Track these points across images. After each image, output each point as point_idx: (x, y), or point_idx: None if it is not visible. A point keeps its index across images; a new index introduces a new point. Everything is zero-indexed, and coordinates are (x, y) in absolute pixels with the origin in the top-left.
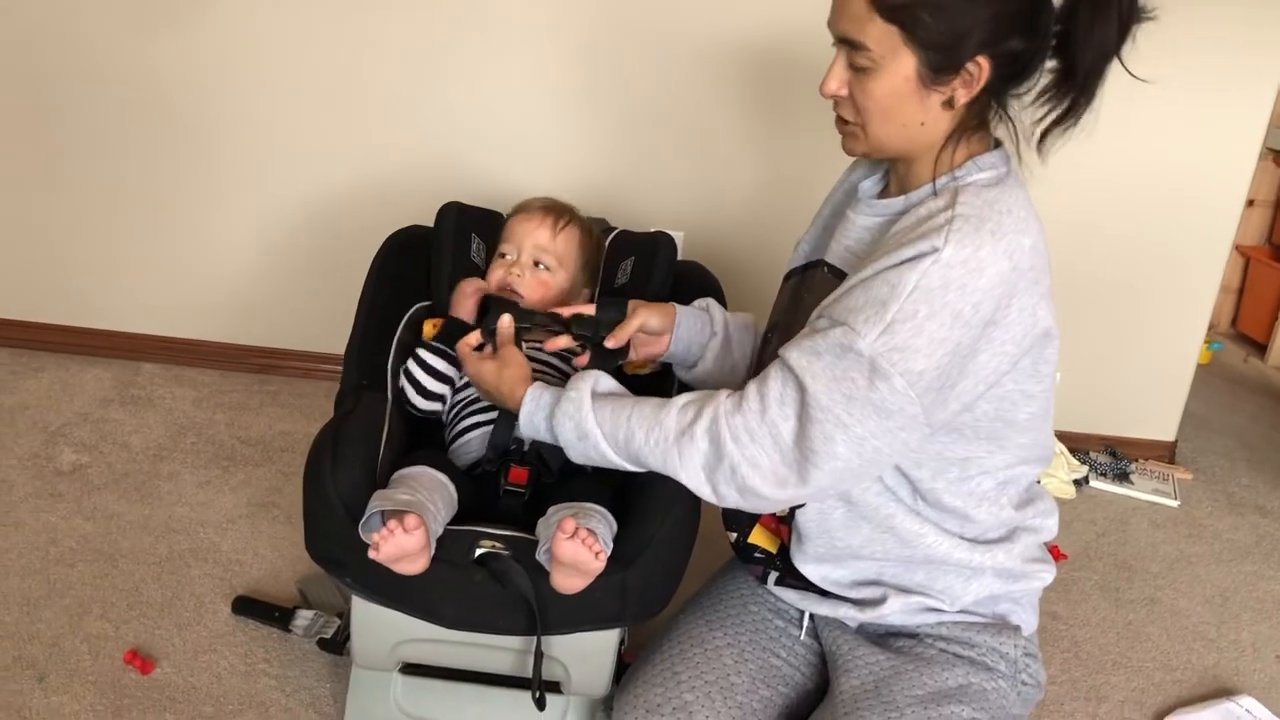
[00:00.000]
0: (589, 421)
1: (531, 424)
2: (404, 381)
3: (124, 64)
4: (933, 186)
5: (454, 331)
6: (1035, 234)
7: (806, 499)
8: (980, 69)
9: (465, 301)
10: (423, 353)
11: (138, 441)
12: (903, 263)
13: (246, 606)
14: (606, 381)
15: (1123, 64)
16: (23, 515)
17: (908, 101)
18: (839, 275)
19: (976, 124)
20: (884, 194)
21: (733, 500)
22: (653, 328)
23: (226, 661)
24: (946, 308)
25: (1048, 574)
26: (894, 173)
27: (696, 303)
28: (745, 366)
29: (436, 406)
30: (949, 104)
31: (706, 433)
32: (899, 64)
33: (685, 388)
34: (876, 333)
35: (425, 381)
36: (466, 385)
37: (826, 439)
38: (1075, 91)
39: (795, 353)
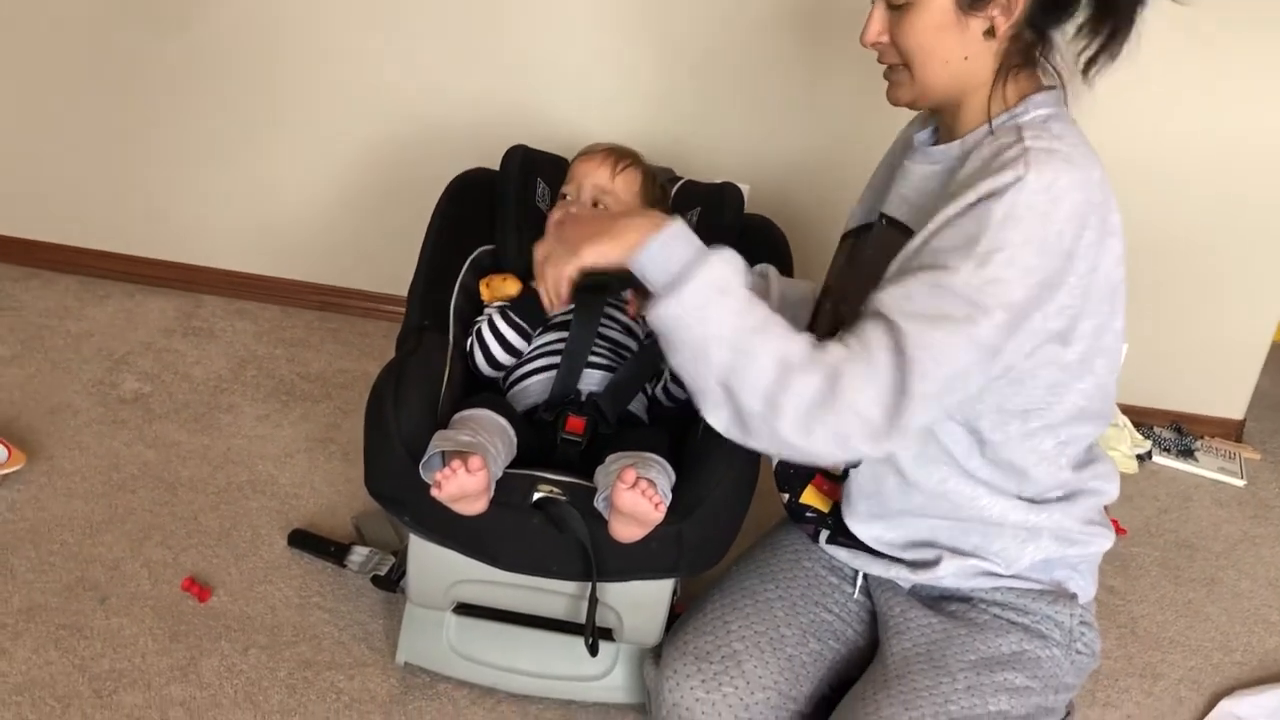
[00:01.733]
0: (737, 282)
1: (668, 243)
2: (474, 344)
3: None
4: (989, 125)
5: (532, 305)
6: (1100, 169)
7: (900, 441)
8: None
9: None
10: (499, 322)
11: (199, 372)
12: (987, 196)
13: (302, 540)
14: None
15: None
16: (86, 440)
17: (948, 34)
18: (898, 226)
19: (1022, 61)
20: (937, 143)
21: (821, 442)
22: None
23: (281, 593)
24: (1034, 236)
25: (1105, 540)
26: (943, 122)
27: (756, 269)
28: None
29: (499, 375)
30: (990, 33)
31: (821, 368)
32: None
33: None
34: (971, 267)
35: (497, 353)
36: (535, 335)
37: (924, 377)
38: (1114, 19)
39: (886, 299)
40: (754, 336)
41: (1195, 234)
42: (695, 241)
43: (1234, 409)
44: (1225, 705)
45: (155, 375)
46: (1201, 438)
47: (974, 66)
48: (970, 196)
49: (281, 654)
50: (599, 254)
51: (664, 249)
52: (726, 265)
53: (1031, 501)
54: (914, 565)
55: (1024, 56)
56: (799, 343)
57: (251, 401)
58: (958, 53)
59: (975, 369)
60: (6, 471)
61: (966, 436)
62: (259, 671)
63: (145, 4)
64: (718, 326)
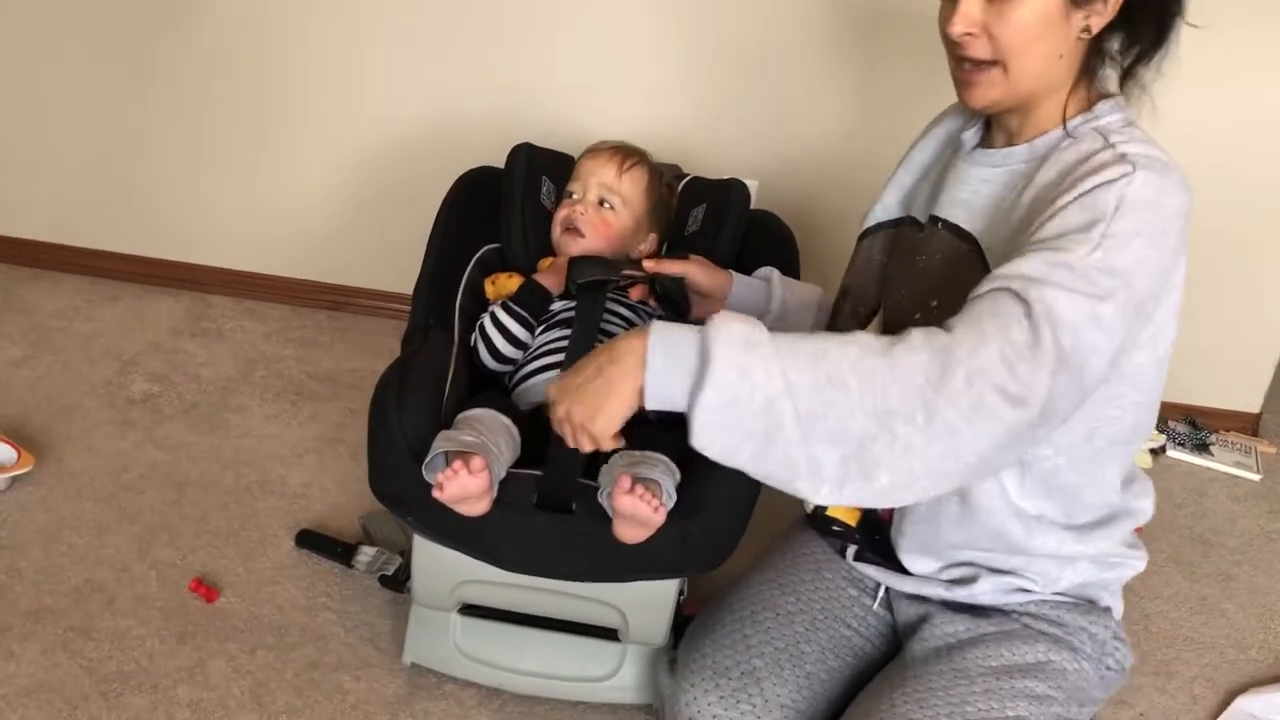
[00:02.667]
0: (757, 328)
1: (667, 344)
2: (478, 340)
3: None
4: (1064, 128)
5: (532, 295)
6: (1183, 173)
7: (1032, 425)
8: None
9: (552, 272)
10: (500, 314)
11: (208, 373)
12: (1095, 188)
13: (310, 540)
14: None
15: None
16: (95, 441)
17: (1054, 27)
18: (956, 231)
19: (1094, 68)
20: (990, 144)
21: (953, 427)
22: (700, 286)
23: (288, 594)
24: (1148, 225)
25: (1140, 562)
26: (1001, 123)
27: (759, 272)
28: None
29: (507, 369)
30: (1086, 31)
31: (925, 344)
32: None
33: None
34: (1087, 249)
35: (500, 345)
36: (539, 334)
37: (1052, 331)
38: (1156, 18)
39: (994, 275)
40: (818, 365)
41: (1209, 226)
42: (681, 326)
43: (1250, 402)
44: (1240, 703)
45: (164, 376)
46: (1217, 431)
47: (1063, 67)
48: (1077, 190)
49: (288, 655)
50: (611, 420)
51: (666, 358)
52: (736, 321)
53: (1079, 529)
54: (950, 584)
55: (1093, 66)
56: (867, 340)
57: (260, 401)
58: (1056, 49)
59: (1094, 354)
60: (16, 473)
61: (1019, 468)
62: (266, 672)
63: (151, 7)
64: (772, 381)
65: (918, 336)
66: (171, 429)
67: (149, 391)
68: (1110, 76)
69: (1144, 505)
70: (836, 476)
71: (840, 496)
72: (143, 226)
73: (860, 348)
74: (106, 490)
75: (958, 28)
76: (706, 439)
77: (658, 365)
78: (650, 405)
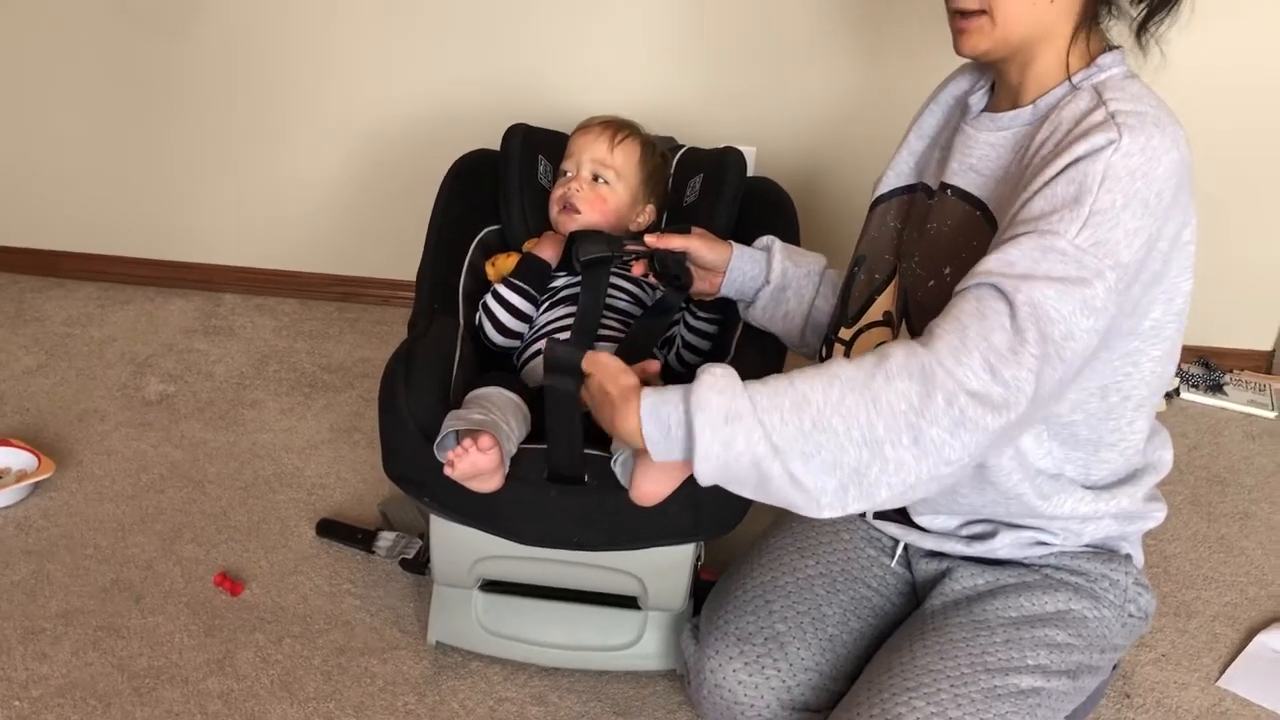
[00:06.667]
0: (738, 398)
1: (658, 419)
2: (482, 318)
3: None
4: (1069, 83)
5: (532, 269)
6: (1183, 129)
7: (1020, 421)
8: None
9: (546, 243)
10: (503, 290)
11: (221, 370)
12: (1082, 159)
13: (330, 529)
14: None
15: None
16: (114, 444)
17: None
18: (966, 198)
19: (1094, 18)
20: (996, 107)
21: (939, 442)
22: (703, 260)
23: (312, 583)
24: (1136, 196)
25: (1160, 513)
26: (1004, 81)
27: (760, 242)
28: (802, 315)
29: (514, 343)
30: None
31: (903, 369)
32: None
33: (747, 329)
34: (1076, 229)
35: (505, 319)
36: (543, 311)
37: (1038, 330)
38: None
39: (983, 269)
40: (801, 414)
41: (1218, 160)
42: (668, 398)
43: (1263, 340)
44: (1261, 639)
45: (179, 376)
46: (1230, 371)
47: (1055, 12)
48: (1064, 159)
49: (315, 642)
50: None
51: (661, 433)
52: (715, 393)
53: (1098, 489)
54: (969, 540)
55: (1092, 15)
56: (848, 374)
57: (274, 396)
58: None
59: (1088, 336)
60: (38, 479)
61: (1037, 427)
62: (294, 660)
63: (151, 12)
64: (755, 447)
65: (897, 359)
66: (188, 428)
67: (164, 392)
68: (1116, 26)
69: (1164, 458)
70: (839, 501)
71: (845, 511)
72: (150, 230)
73: (841, 386)
74: (127, 491)
75: None
76: (710, 482)
77: (654, 438)
78: (656, 459)
